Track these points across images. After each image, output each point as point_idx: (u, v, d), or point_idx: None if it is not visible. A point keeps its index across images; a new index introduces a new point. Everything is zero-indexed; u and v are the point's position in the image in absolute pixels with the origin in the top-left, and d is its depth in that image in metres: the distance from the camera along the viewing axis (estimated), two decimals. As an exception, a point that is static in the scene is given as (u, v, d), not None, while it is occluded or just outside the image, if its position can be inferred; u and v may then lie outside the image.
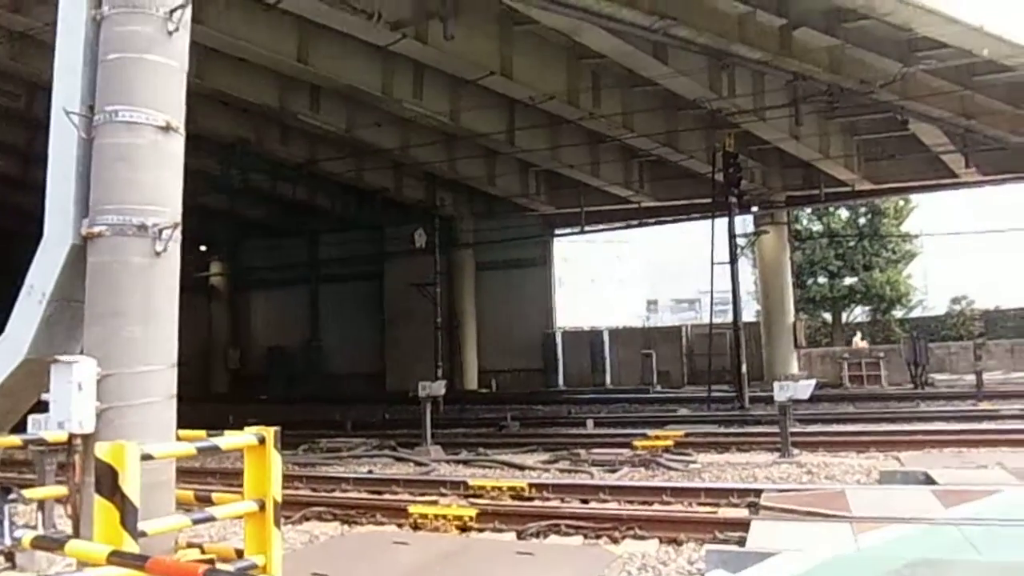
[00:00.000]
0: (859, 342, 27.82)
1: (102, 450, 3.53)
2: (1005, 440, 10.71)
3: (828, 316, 35.66)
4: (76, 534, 4.10)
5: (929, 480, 7.82)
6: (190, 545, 4.47)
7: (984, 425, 12.69)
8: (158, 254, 4.35)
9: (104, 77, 4.46)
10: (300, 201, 28.16)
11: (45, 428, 4.55)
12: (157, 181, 4.43)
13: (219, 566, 3.74)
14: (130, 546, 3.35)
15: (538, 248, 29.40)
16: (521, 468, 10.56)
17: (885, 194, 27.52)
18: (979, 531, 5.38)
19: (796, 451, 10.40)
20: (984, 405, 16.29)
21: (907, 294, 35.13)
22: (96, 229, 4.30)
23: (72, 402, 3.99)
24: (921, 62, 15.92)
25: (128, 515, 3.46)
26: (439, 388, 13.14)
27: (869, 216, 34.11)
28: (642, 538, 6.26)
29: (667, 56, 16.30)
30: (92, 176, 4.46)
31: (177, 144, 4.57)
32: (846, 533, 5.48)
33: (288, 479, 9.17)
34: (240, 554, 4.37)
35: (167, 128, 4.45)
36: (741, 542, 5.65)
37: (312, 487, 9.36)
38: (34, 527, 4.60)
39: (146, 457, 3.68)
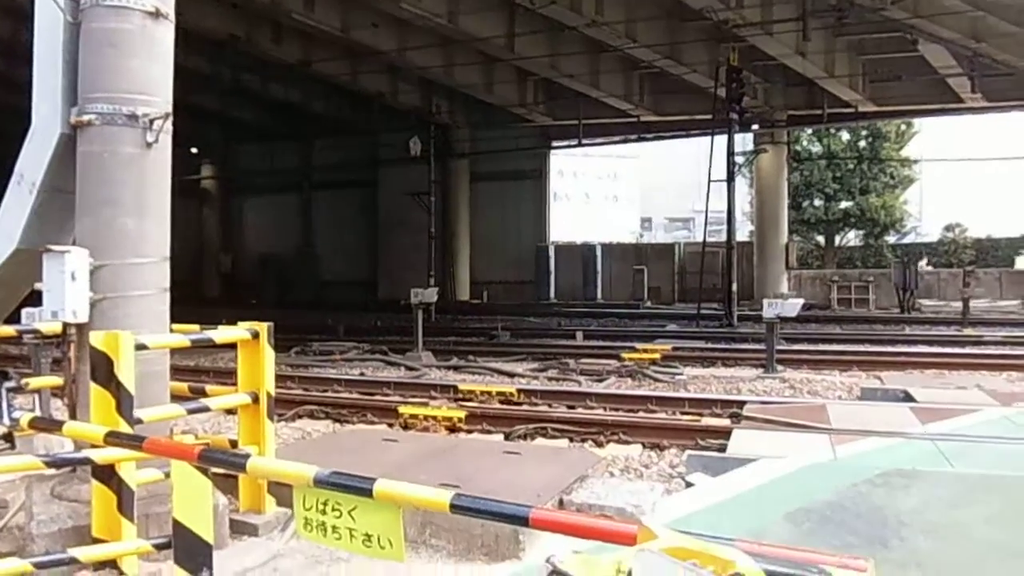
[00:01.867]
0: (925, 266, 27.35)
1: (97, 339, 3.57)
2: (985, 364, 10.95)
3: (821, 239, 35.76)
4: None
5: (908, 398, 8.01)
6: (186, 434, 4.56)
7: (967, 350, 12.93)
8: (149, 145, 4.27)
9: (90, -43, 4.28)
10: (293, 104, 27.58)
11: (39, 319, 4.57)
12: (147, 69, 4.31)
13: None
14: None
15: (534, 160, 29.09)
16: (510, 375, 10.76)
17: (888, 116, 27.18)
18: (953, 445, 5.56)
19: (781, 367, 10.61)
20: (968, 331, 16.53)
21: (901, 219, 35.16)
22: (85, 118, 4.20)
23: (65, 291, 3.99)
24: (935, -22, 15.45)
25: (124, 402, 3.52)
26: (431, 295, 13.23)
27: (870, 139, 33.75)
28: (626, 442, 6.45)
29: (674, -37, 15.76)
30: (80, 63, 4.32)
31: (167, 31, 4.42)
32: (824, 443, 5.65)
33: (280, 379, 9.30)
34: (234, 444, 4.49)
35: (156, 14, 4.30)
36: (722, 449, 5.82)
37: (304, 387, 9.53)
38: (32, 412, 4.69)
39: (140, 347, 3.72)
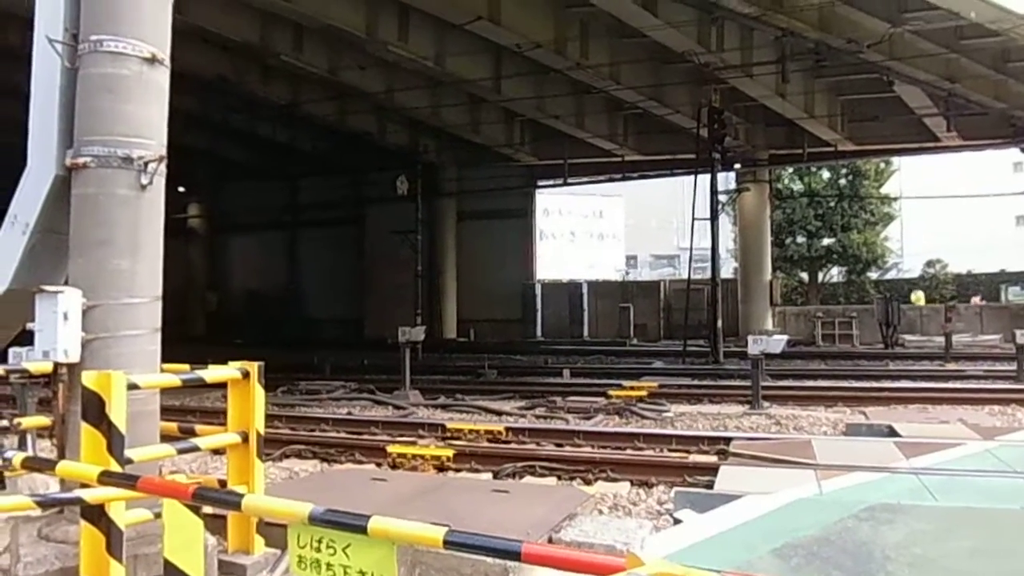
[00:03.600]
0: (920, 299, 27.64)
1: (89, 378, 3.58)
2: (968, 399, 11.06)
3: (805, 275, 36.13)
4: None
5: (893, 433, 8.09)
6: (176, 473, 4.56)
7: (949, 384, 13.06)
8: (144, 187, 4.33)
9: (88, 5, 4.38)
10: (281, 143, 27.79)
11: (27, 359, 4.59)
12: (143, 113, 4.40)
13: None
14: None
15: (520, 199, 29.35)
16: (498, 414, 10.75)
17: (867, 155, 27.70)
18: (937, 479, 5.62)
19: (767, 404, 10.67)
20: (951, 366, 16.72)
21: (883, 256, 35.63)
22: (81, 160, 4.27)
23: (57, 331, 4.02)
24: (909, 23, 15.92)
25: (115, 442, 3.53)
26: (419, 334, 13.24)
27: (850, 177, 34.34)
28: (614, 480, 6.47)
29: (657, 7, 16.16)
30: (76, 106, 4.41)
31: (163, 76, 4.52)
32: (810, 479, 5.70)
33: (268, 418, 9.25)
34: (223, 484, 4.48)
35: (153, 60, 4.40)
36: (709, 485, 5.86)
37: (292, 426, 9.49)
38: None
39: (132, 386, 3.74)
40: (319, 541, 2.21)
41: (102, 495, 3.23)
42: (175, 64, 5.03)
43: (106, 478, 2.76)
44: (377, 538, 2.10)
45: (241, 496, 2.45)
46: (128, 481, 2.73)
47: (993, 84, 18.81)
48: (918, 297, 24.34)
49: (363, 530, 2.10)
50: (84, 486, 3.22)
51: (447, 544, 1.98)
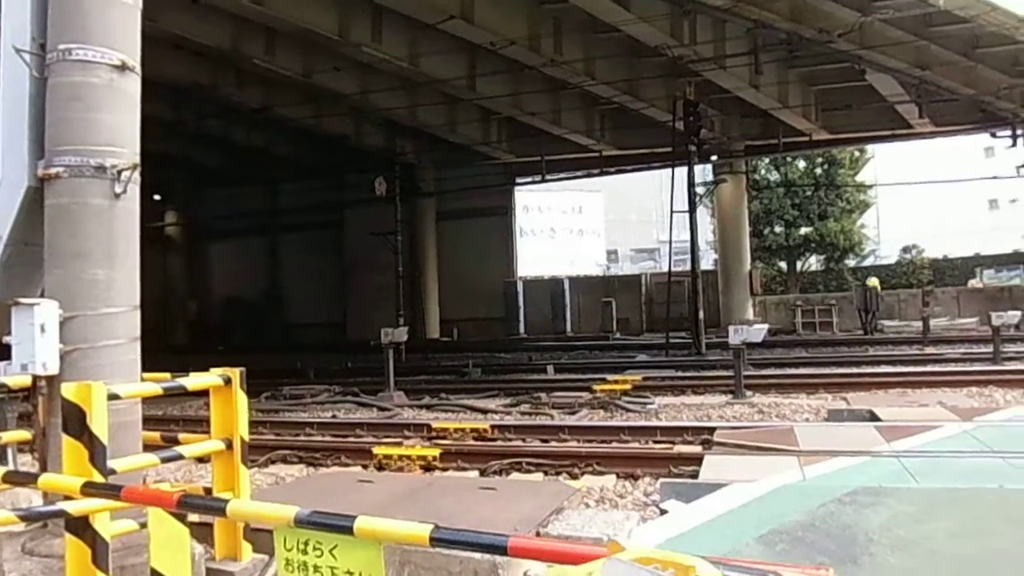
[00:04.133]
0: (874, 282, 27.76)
1: (69, 390, 3.55)
2: (946, 381, 11.21)
3: (783, 265, 36.43)
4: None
5: (874, 417, 8.19)
6: (160, 483, 4.53)
7: (928, 368, 13.22)
8: (117, 196, 4.30)
9: (56, 13, 4.34)
10: (257, 148, 27.61)
11: (6, 373, 4.54)
12: (114, 122, 4.36)
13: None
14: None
15: (500, 197, 29.36)
16: (483, 412, 10.76)
17: (842, 144, 27.97)
18: (917, 462, 5.70)
19: (749, 393, 10.76)
20: (929, 349, 16.94)
21: (860, 243, 35.99)
22: (53, 171, 4.23)
23: (35, 344, 3.98)
24: (879, 12, 16.09)
25: (97, 453, 3.50)
26: (401, 334, 13.22)
27: (825, 166, 34.67)
28: (600, 473, 6.51)
29: (629, 2, 16.23)
30: (47, 116, 4.37)
31: (134, 84, 4.49)
32: (793, 465, 5.76)
33: (252, 424, 9.20)
34: (208, 492, 4.46)
35: (123, 67, 4.37)
36: (694, 475, 5.90)
37: (276, 432, 9.45)
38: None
39: (113, 397, 3.71)
40: (305, 543, 2.22)
41: (86, 507, 3.21)
42: (148, 72, 5.00)
43: (89, 489, 2.75)
44: (363, 538, 2.10)
45: (226, 502, 2.45)
46: (112, 491, 2.72)
47: (963, 70, 19.05)
48: (873, 283, 24.70)
49: (349, 531, 2.11)
50: (68, 499, 3.20)
51: (433, 541, 2.00)
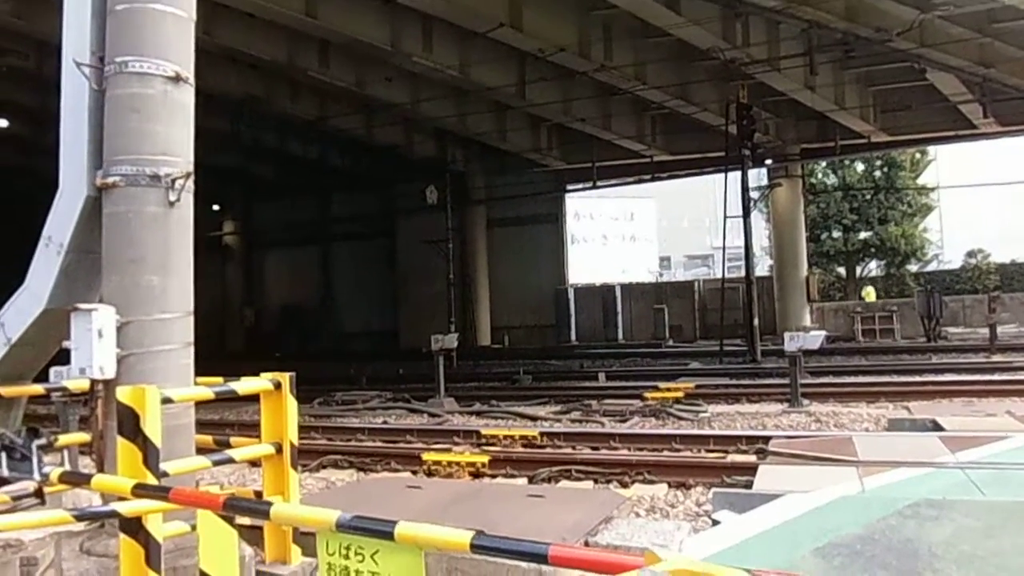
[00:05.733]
0: (870, 295, 27.55)
1: (123, 393, 3.64)
2: (1015, 391, 10.76)
3: (842, 270, 35.52)
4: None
5: (937, 427, 7.89)
6: (212, 485, 4.61)
7: (995, 376, 12.72)
8: (172, 204, 4.40)
9: (113, 27, 4.47)
10: (311, 159, 28.13)
11: (67, 377, 4.68)
12: (169, 132, 4.47)
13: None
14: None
15: (550, 204, 29.32)
16: (533, 419, 10.72)
17: (901, 146, 27.18)
18: (983, 473, 5.46)
19: (806, 401, 10.49)
20: (997, 357, 16.29)
21: (922, 247, 34.89)
22: (110, 180, 4.35)
23: (93, 349, 4.09)
24: (938, 8, 15.61)
25: (150, 455, 3.57)
26: (452, 341, 13.28)
27: (885, 169, 33.70)
28: (651, 482, 6.40)
29: (680, 5, 16.06)
30: (105, 127, 4.49)
31: (187, 95, 4.59)
32: (852, 476, 5.57)
33: (304, 429, 9.36)
34: (259, 495, 4.52)
35: (177, 78, 4.47)
36: (748, 485, 5.76)
37: (328, 437, 9.56)
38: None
39: (166, 400, 3.79)
40: (347, 548, 2.21)
41: (138, 507, 3.27)
42: (205, 85, 5.11)
43: (139, 490, 2.79)
44: (405, 544, 2.09)
45: (270, 505, 2.46)
46: (161, 493, 2.76)
47: (1030, 67, 18.36)
48: (868, 293, 23.82)
49: (390, 536, 2.10)
50: (121, 499, 3.27)
51: (474, 548, 1.97)
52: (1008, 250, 34.35)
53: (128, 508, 3.27)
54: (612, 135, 23.90)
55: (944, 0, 15.35)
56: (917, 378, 13.06)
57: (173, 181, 4.40)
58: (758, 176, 26.35)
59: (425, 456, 7.60)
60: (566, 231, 30.56)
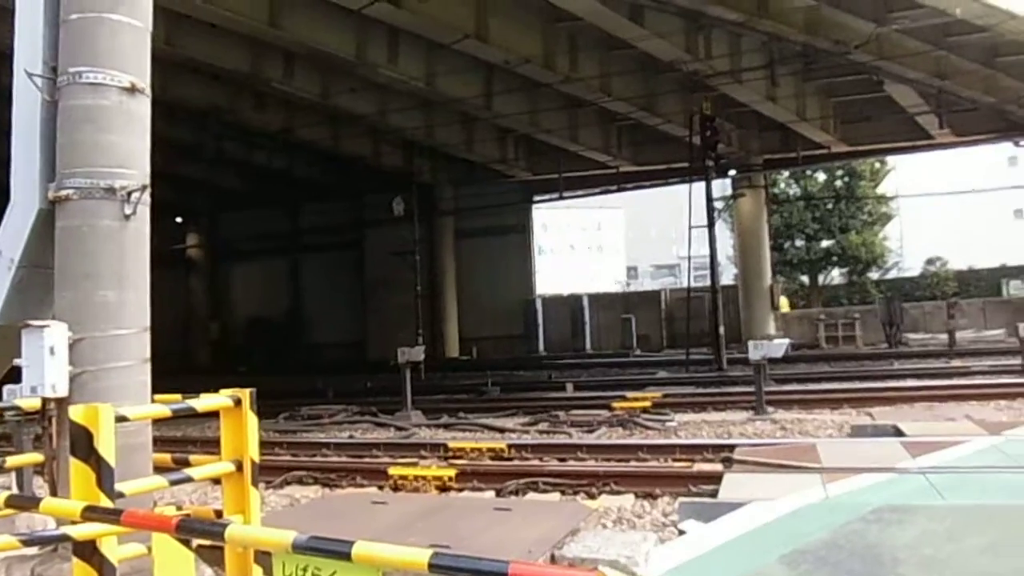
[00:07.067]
0: (784, 305, 27.58)
1: (76, 412, 3.54)
2: (973, 395, 10.97)
3: (805, 279, 36.06)
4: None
5: (898, 433, 8.00)
6: (168, 506, 4.50)
7: (954, 381, 12.95)
8: (127, 217, 4.32)
9: (66, 37, 4.39)
10: (277, 170, 27.88)
11: (20, 396, 4.54)
12: (124, 143, 4.39)
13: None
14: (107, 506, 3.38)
15: (517, 215, 29.35)
16: (501, 431, 10.67)
17: (861, 156, 27.70)
18: (943, 478, 5.54)
19: (771, 409, 10.59)
20: (956, 362, 16.62)
21: (882, 255, 35.57)
22: (64, 193, 4.26)
23: (44, 366, 3.99)
24: (896, 22, 15.95)
25: (104, 476, 3.48)
26: (418, 353, 13.18)
27: (846, 179, 34.35)
28: (618, 493, 6.39)
29: (644, 18, 16.22)
30: (58, 139, 4.40)
31: (144, 106, 4.51)
32: (815, 483, 5.62)
33: (269, 445, 9.23)
34: (219, 515, 4.41)
35: (132, 89, 4.40)
36: (714, 494, 5.78)
37: (293, 452, 9.42)
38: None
39: (121, 419, 3.69)
40: (304, 569, 2.16)
41: (90, 531, 3.18)
42: (168, 96, 5.04)
43: (90, 513, 2.71)
44: (362, 564, 2.04)
45: (225, 526, 2.40)
46: (113, 516, 2.68)
47: (983, 79, 18.82)
48: (783, 303, 24.16)
49: (348, 556, 2.05)
50: (75, 523, 3.17)
51: (432, 567, 1.93)
52: (965, 257, 35.19)
53: (80, 532, 3.17)
54: (578, 146, 24.03)
55: (900, 14, 15.69)
56: (879, 384, 13.26)
57: (129, 194, 4.32)
58: (722, 186, 26.69)
59: (391, 470, 7.52)
60: (533, 242, 30.63)
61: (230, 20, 16.32)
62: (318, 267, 32.40)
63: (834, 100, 22.44)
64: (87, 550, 3.44)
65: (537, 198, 29.60)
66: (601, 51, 19.06)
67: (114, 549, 3.49)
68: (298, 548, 2.12)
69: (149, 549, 3.64)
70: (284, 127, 23.48)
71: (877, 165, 34.09)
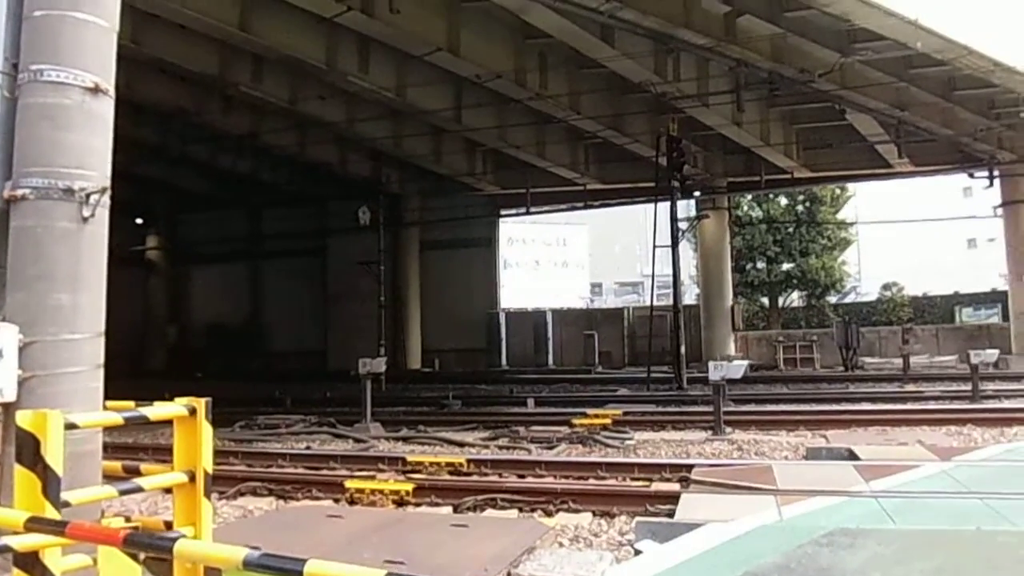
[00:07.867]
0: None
1: (23, 418, 3.43)
2: (926, 420, 11.19)
3: (766, 300, 36.57)
4: (-4, 505, 3.98)
5: (852, 456, 8.14)
6: (117, 517, 4.39)
7: (908, 405, 13.22)
8: (85, 219, 4.22)
9: (29, 34, 4.28)
10: (242, 174, 27.57)
11: (-36, 399, 4.40)
12: (85, 144, 4.29)
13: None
14: (52, 516, 3.28)
15: (484, 228, 29.41)
16: (461, 445, 10.61)
17: (823, 182, 28.29)
18: (895, 502, 5.64)
19: (729, 429, 10.68)
20: (909, 387, 16.96)
21: (841, 280, 36.20)
22: (20, 192, 4.15)
23: (-8, 369, 3.86)
24: (859, 53, 16.38)
25: (50, 485, 3.37)
26: (379, 365, 13.06)
27: (807, 203, 34.97)
28: (576, 511, 6.38)
29: (614, 38, 16.42)
30: (16, 137, 4.29)
31: (107, 106, 4.42)
32: (771, 505, 5.68)
33: (223, 455, 9.05)
34: (169, 526, 4.31)
35: (95, 89, 4.30)
36: (671, 514, 5.80)
37: (248, 463, 9.25)
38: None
39: (70, 426, 3.59)
40: (255, 586, 2.12)
41: (32, 542, 3.08)
42: (133, 95, 4.96)
43: (34, 524, 2.63)
44: (314, 582, 2.01)
45: (174, 541, 2.34)
46: (57, 528, 2.60)
47: (941, 112, 19.40)
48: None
49: (299, 574, 2.01)
50: (17, 533, 3.07)
51: (386, 587, 1.90)
52: (921, 283, 36.04)
53: (22, 543, 3.07)
54: (547, 162, 24.19)
55: (864, 45, 16.11)
56: (835, 407, 13.46)
57: (88, 196, 4.23)
58: (687, 207, 27.00)
59: (348, 483, 7.42)
60: (499, 255, 30.68)
61: (199, 22, 16.16)
62: (280, 273, 32.04)
63: (797, 127, 22.92)
64: (28, 561, 3.33)
65: (504, 212, 29.70)
66: (571, 69, 19.24)
67: (57, 560, 3.39)
68: (249, 565, 2.08)
69: (95, 560, 3.54)
70: (251, 131, 23.27)
71: (838, 191, 34.78)
